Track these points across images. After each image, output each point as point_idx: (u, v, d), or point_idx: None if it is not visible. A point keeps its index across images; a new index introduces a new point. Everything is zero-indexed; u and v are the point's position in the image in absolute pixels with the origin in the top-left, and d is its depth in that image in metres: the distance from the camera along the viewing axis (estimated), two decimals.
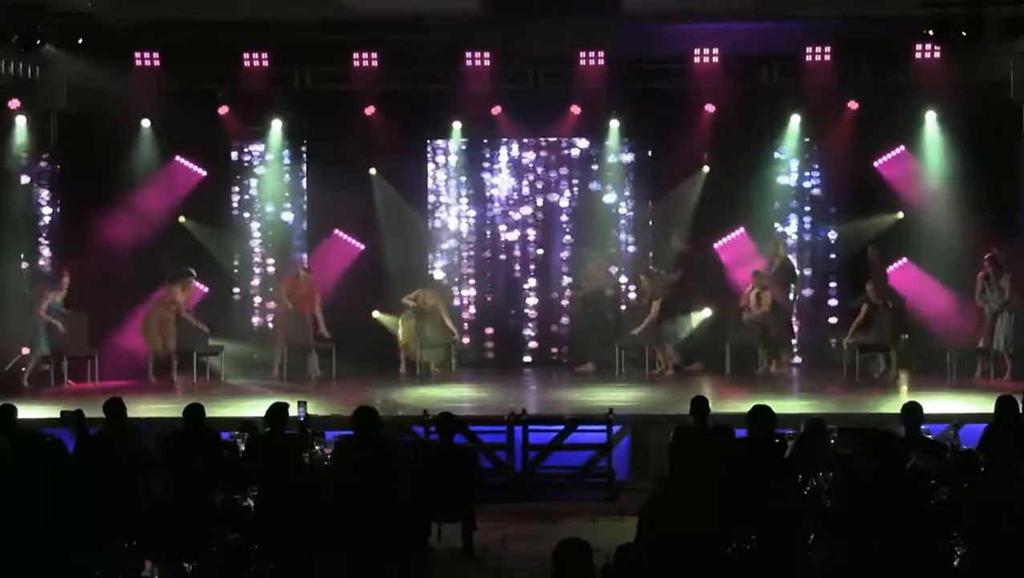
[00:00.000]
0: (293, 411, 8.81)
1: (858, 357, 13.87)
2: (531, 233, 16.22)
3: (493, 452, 10.74)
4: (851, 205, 15.53)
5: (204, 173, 15.61)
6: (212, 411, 9.41)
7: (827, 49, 14.69)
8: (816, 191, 15.95)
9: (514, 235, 16.21)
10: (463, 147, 16.14)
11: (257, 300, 15.94)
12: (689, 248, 15.30)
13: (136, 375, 14.10)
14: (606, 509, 9.97)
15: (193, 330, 14.32)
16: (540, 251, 16.19)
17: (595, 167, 16.10)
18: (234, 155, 16.07)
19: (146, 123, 15.20)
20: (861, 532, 6.55)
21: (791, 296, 14.89)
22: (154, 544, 6.53)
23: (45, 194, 15.26)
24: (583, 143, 16.10)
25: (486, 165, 16.24)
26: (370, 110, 15.24)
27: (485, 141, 16.15)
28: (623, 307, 15.70)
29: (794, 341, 15.15)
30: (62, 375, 13.76)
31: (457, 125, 15.63)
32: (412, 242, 15.80)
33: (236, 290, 15.95)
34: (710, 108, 15.06)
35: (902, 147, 15.26)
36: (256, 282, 16.03)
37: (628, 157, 16.11)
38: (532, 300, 16.21)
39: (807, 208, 15.98)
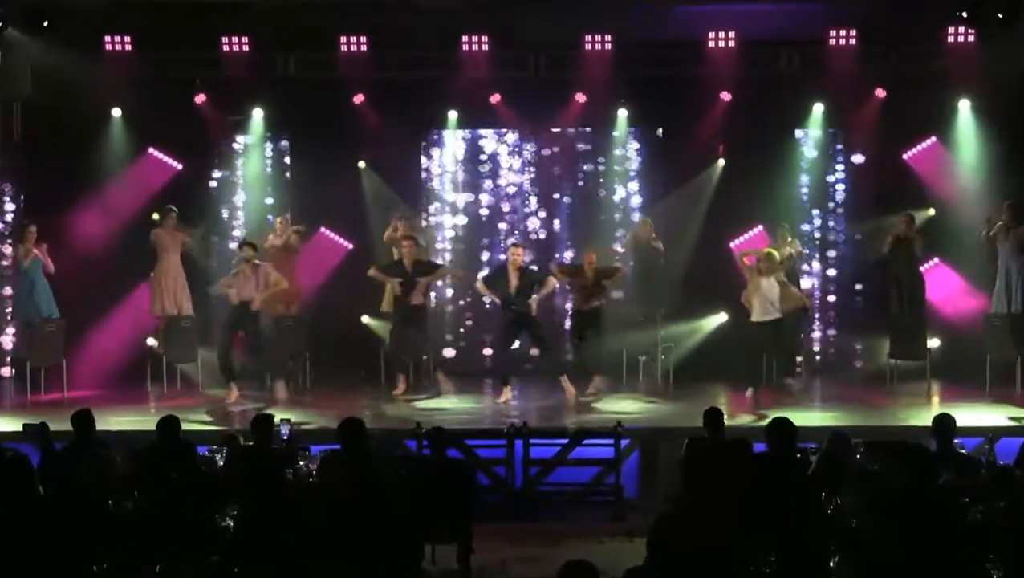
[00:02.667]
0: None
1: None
2: (533, 231, 16.24)
3: (491, 468, 10.76)
4: (878, 201, 15.53)
5: (180, 166, 15.62)
6: (188, 424, 9.42)
7: (852, 33, 14.70)
8: (840, 186, 15.97)
9: (514, 233, 16.22)
10: (459, 139, 16.17)
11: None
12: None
13: (108, 384, 14.10)
14: (613, 529, 9.97)
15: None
16: (541, 250, 16.19)
17: (601, 160, 16.12)
18: (212, 147, 16.08)
19: (117, 113, 15.20)
20: (889, 554, 6.55)
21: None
22: (126, 566, 6.53)
23: (8, 189, 15.27)
24: (589, 134, 16.12)
25: (484, 158, 16.26)
26: (359, 99, 15.25)
27: (483, 132, 16.17)
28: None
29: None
30: (36, 384, 13.69)
31: (453, 115, 15.64)
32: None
33: (213, 290, 15.96)
34: (726, 96, 15.07)
35: (933, 139, 15.27)
36: None
37: (637, 149, 16.13)
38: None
39: (830, 204, 16.00)
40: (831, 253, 15.93)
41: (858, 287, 15.90)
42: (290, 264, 14.75)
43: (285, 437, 9.31)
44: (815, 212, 15.95)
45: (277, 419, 9.16)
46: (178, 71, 14.95)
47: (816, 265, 15.85)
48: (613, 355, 14.54)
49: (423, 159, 16.22)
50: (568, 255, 16.08)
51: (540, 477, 10.83)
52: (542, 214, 16.24)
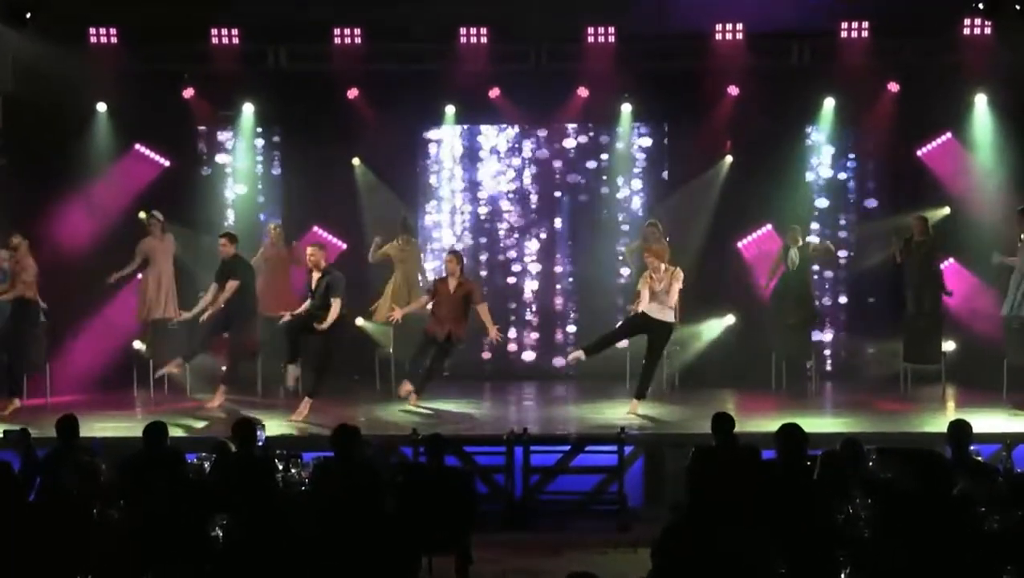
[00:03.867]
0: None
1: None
2: (533, 230, 16.24)
3: (490, 475, 10.75)
4: (891, 199, 15.53)
5: (167, 163, 15.62)
6: (176, 430, 9.42)
7: (865, 24, 14.70)
8: (852, 184, 15.97)
9: (514, 233, 16.23)
10: (457, 134, 16.17)
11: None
12: None
13: (93, 389, 14.09)
14: (617, 540, 9.96)
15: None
16: (542, 250, 16.21)
17: (605, 156, 16.13)
18: (201, 143, 16.10)
19: (102, 107, 15.19)
20: (901, 565, 6.55)
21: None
22: None
23: None
24: (591, 129, 16.12)
25: (483, 154, 16.26)
26: (353, 93, 15.25)
27: (482, 128, 16.17)
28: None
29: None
30: (18, 390, 13.65)
31: (450, 110, 15.65)
32: None
33: (202, 294, 15.92)
34: (733, 90, 15.08)
35: (948, 134, 15.27)
36: None
37: (641, 145, 16.14)
38: (534, 305, 16.23)
39: (842, 203, 16.00)
40: (842, 253, 15.92)
41: (870, 288, 15.89)
42: (286, 268, 14.75)
43: (261, 442, 9.28)
44: (826, 210, 15.95)
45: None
46: (165, 64, 14.94)
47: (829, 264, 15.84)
48: (618, 359, 14.55)
49: (419, 155, 16.22)
50: (571, 255, 16.10)
51: (541, 485, 10.82)
52: (543, 212, 16.23)
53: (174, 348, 14.38)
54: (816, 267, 15.43)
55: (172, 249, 14.58)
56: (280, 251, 14.85)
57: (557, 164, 16.23)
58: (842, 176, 15.99)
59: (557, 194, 16.24)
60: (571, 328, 16.18)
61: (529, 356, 16.26)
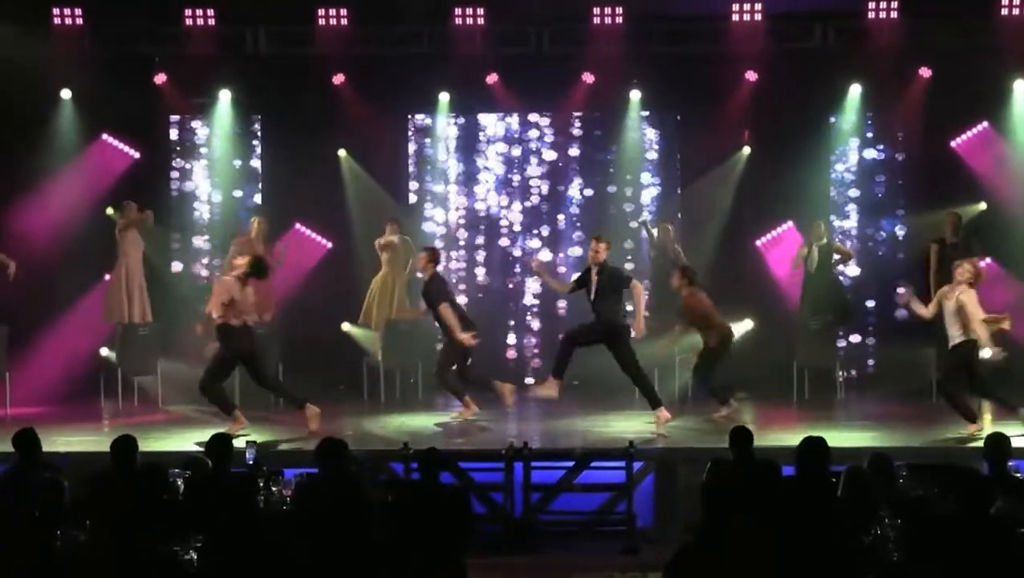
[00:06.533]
0: (240, 443, 8.82)
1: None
2: (534, 227, 16.25)
3: (488, 494, 10.74)
4: (923, 194, 15.54)
5: (137, 155, 15.63)
6: (147, 444, 9.41)
7: (894, 4, 14.76)
8: (880, 177, 15.98)
9: (514, 230, 16.23)
10: (451, 123, 16.18)
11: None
12: None
13: (56, 399, 14.08)
14: (625, 563, 9.97)
15: None
16: (545, 249, 16.22)
17: (612, 148, 16.13)
18: (173, 133, 16.12)
19: (67, 94, 15.22)
20: None
21: None
22: None
23: None
24: (598, 119, 16.12)
25: (479, 145, 16.27)
26: (339, 79, 15.27)
27: (478, 116, 16.18)
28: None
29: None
30: None
31: (444, 97, 15.67)
32: None
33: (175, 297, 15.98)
34: (751, 76, 15.10)
35: (985, 123, 15.30)
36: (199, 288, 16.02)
37: (651, 135, 16.15)
38: (535, 309, 16.24)
39: (869, 198, 16.01)
40: (870, 253, 15.92)
41: (900, 291, 15.88)
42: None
43: (251, 461, 9.30)
44: (852, 207, 15.97)
45: (242, 441, 9.14)
46: (135, 48, 14.98)
47: (853, 267, 15.83)
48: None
49: (411, 147, 16.23)
50: (575, 254, 16.10)
51: (543, 504, 10.81)
52: (545, 208, 16.24)
53: (145, 355, 14.40)
54: (841, 268, 15.44)
55: (142, 245, 14.57)
56: (257, 248, 14.71)
57: (560, 156, 16.23)
58: (869, 169, 15.99)
59: (560, 188, 16.25)
60: None
61: (531, 364, 16.24)
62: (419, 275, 13.38)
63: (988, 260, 14.89)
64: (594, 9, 14.88)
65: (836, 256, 14.82)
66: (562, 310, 16.18)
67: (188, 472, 8.83)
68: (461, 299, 15.84)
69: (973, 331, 11.51)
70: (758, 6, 14.78)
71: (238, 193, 16.19)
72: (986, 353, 11.68)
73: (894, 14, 14.74)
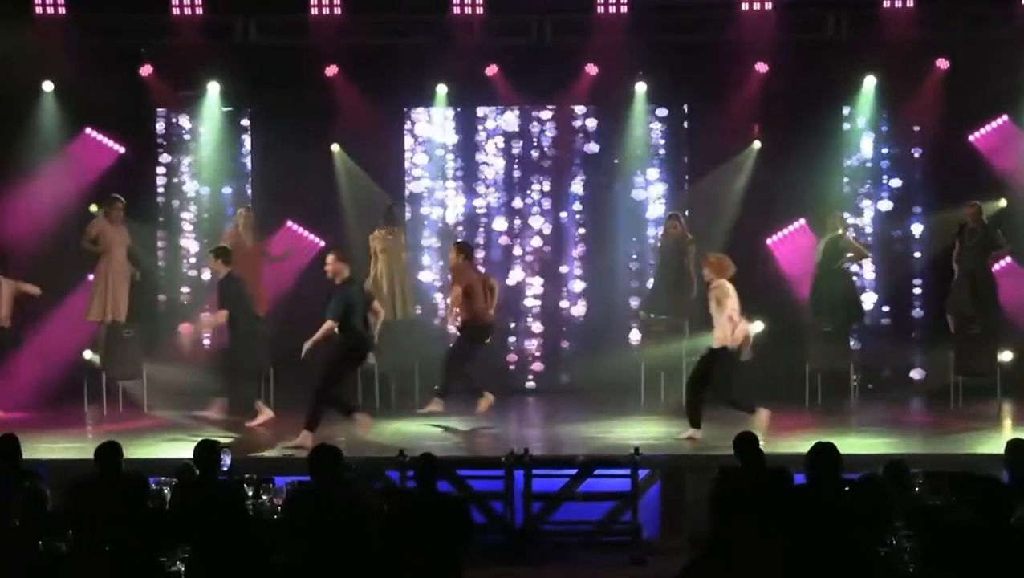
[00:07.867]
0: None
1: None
2: (535, 225, 16.25)
3: (487, 503, 10.74)
4: (940, 190, 15.54)
5: (122, 149, 15.64)
6: (132, 451, 9.40)
7: None
8: (895, 173, 15.98)
9: (513, 228, 16.24)
10: (450, 117, 16.18)
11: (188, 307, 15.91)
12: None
13: (38, 404, 14.08)
14: (631, 575, 9.95)
15: None
16: (547, 248, 16.22)
17: (616, 142, 16.13)
18: (160, 126, 16.12)
19: (49, 86, 15.21)
20: None
21: None
22: None
23: None
24: (601, 112, 16.13)
25: (479, 140, 16.27)
26: (332, 70, 15.27)
27: (477, 110, 16.19)
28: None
29: None
30: None
31: (442, 89, 15.66)
32: None
33: (162, 297, 15.97)
34: (762, 68, 15.10)
35: (1005, 117, 15.30)
36: (186, 289, 16.03)
37: (658, 129, 16.15)
38: (536, 310, 16.24)
39: (883, 194, 16.02)
40: (886, 252, 15.92)
41: (916, 291, 15.90)
42: (256, 264, 14.71)
43: (225, 467, 9.27)
44: (866, 203, 15.97)
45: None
46: (120, 38, 14.96)
47: (868, 265, 15.83)
48: (632, 371, 14.56)
49: (407, 141, 16.23)
50: (577, 253, 16.11)
51: (544, 514, 10.81)
52: (547, 205, 16.24)
53: (129, 357, 14.39)
54: (856, 267, 15.43)
55: (127, 242, 14.56)
56: (245, 241, 14.69)
57: (563, 151, 16.23)
58: (883, 164, 16.00)
59: (562, 183, 16.24)
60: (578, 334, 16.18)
61: (531, 367, 16.24)
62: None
63: (1008, 259, 14.93)
64: None
65: (849, 253, 14.80)
66: (564, 311, 16.19)
67: (175, 480, 8.84)
68: None
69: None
70: None
71: (227, 189, 16.19)
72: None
73: (910, 3, 14.73)
